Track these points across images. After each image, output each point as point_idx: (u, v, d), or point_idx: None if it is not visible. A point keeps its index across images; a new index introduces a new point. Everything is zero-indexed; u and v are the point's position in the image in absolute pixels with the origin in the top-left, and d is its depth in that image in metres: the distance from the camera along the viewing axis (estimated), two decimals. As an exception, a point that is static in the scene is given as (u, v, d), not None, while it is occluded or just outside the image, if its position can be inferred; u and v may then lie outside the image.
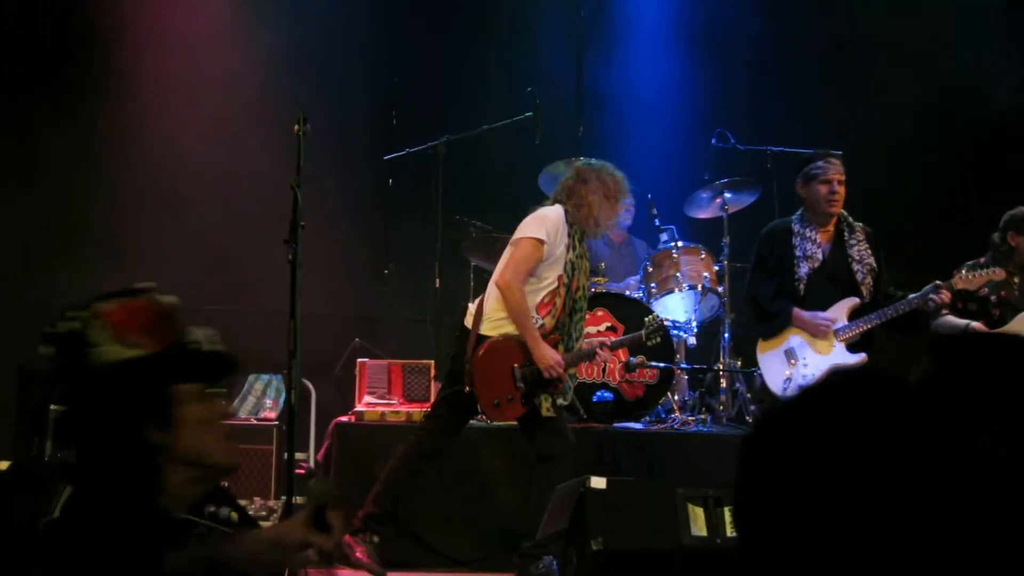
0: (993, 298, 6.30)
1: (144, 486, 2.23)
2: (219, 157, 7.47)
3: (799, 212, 5.88)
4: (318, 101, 7.32)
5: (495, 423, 5.32)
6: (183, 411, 2.22)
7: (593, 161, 5.48)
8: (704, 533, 4.04)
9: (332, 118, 7.59)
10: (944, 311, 6.29)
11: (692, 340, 6.71)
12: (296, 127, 4.99)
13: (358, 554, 4.95)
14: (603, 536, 3.93)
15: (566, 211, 5.25)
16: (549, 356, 5.11)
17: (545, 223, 5.18)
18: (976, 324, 6.23)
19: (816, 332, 5.68)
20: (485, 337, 5.16)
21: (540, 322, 5.20)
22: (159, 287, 2.31)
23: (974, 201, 6.82)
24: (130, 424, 2.21)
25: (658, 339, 5.65)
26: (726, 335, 6.67)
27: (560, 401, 5.25)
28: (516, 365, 5.16)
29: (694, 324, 6.75)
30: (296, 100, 6.57)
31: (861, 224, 5.88)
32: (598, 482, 4.01)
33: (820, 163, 5.76)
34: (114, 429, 2.21)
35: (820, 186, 5.73)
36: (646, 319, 5.66)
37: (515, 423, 5.29)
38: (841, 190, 5.74)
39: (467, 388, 5.11)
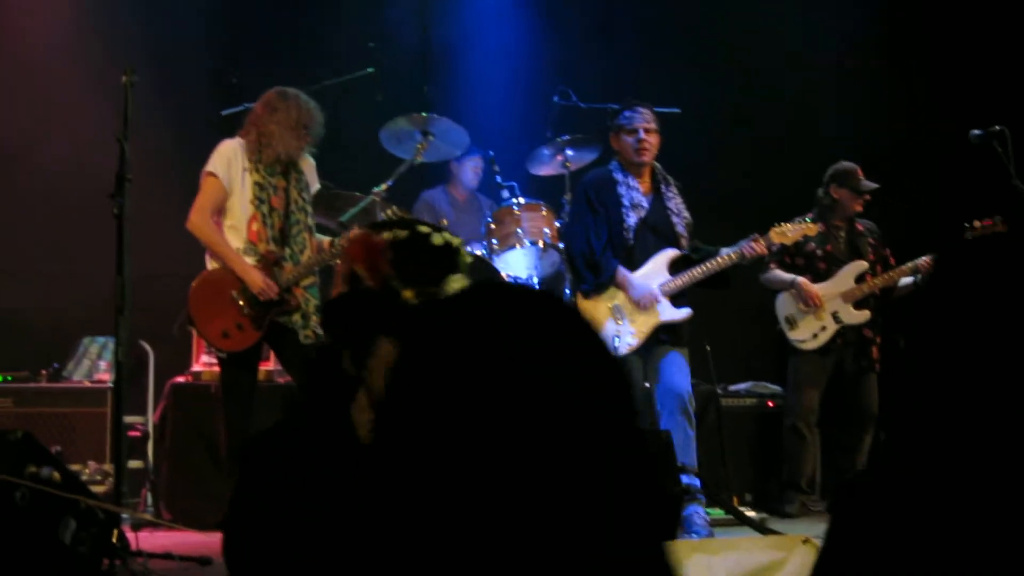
0: (819, 252, 6.53)
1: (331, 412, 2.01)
2: (39, 114, 7.21)
3: (613, 162, 5.95)
4: (154, 58, 7.12)
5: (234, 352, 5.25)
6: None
7: (288, 90, 5.50)
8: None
9: (168, 75, 7.40)
10: (772, 264, 6.50)
11: (533, 296, 6.76)
12: (124, 78, 4.88)
13: None
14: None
15: (244, 139, 5.35)
16: (258, 279, 5.16)
17: (215, 156, 5.32)
18: (802, 279, 6.45)
19: (640, 303, 5.73)
20: None
21: (256, 250, 5.25)
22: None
23: (810, 162, 7.02)
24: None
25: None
26: (566, 291, 6.74)
27: (313, 322, 5.27)
28: (234, 292, 5.21)
29: (535, 280, 6.80)
30: (125, 56, 6.36)
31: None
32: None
33: (627, 113, 5.85)
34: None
35: (627, 136, 5.83)
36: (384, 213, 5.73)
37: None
38: (650, 139, 5.82)
39: (188, 326, 5.30)
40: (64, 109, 7.23)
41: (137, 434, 6.21)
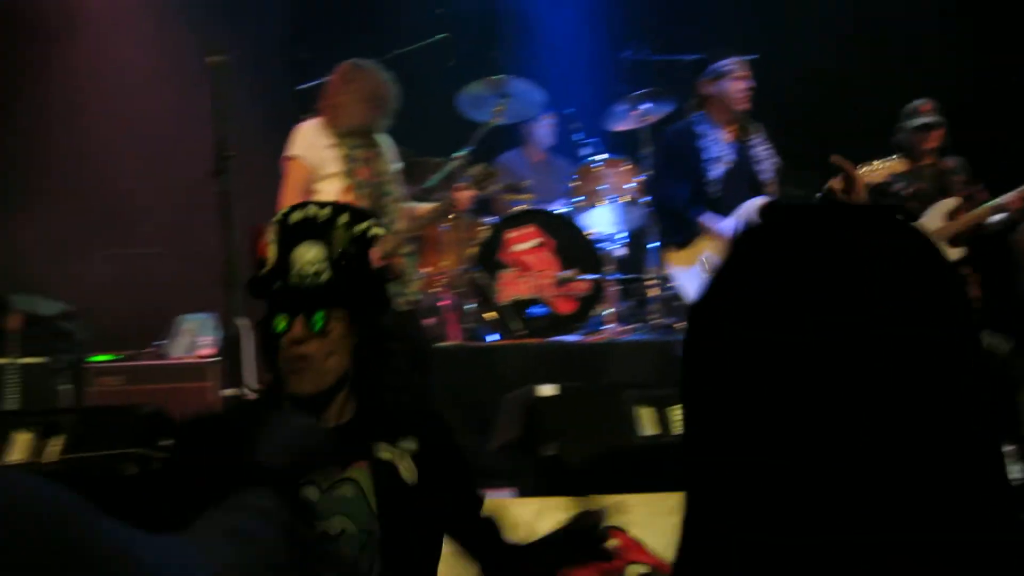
0: (908, 192, 6.45)
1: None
2: (131, 97, 7.30)
3: (698, 114, 5.90)
4: (226, 34, 7.17)
5: None
6: None
7: (363, 61, 5.48)
8: (654, 432, 4.13)
9: (242, 51, 7.45)
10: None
11: (621, 251, 6.78)
12: (210, 59, 4.92)
13: None
14: (556, 442, 3.99)
15: (322, 115, 5.33)
16: None
17: (295, 139, 5.30)
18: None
19: None
20: None
21: None
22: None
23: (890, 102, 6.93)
24: None
25: (486, 186, 5.66)
26: (652, 244, 6.75)
27: (412, 287, 5.28)
28: None
29: (622, 235, 6.82)
30: (203, 32, 6.43)
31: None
32: (547, 389, 4.07)
33: (724, 61, 5.80)
34: None
35: (733, 82, 5.78)
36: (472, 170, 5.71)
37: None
38: (749, 85, 5.79)
39: None
40: (160, 89, 7.29)
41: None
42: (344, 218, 2.29)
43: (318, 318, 2.19)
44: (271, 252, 2.26)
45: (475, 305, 6.34)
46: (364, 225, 2.30)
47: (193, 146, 5.60)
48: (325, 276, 2.22)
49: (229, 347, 4.76)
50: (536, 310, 6.38)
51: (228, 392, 5.58)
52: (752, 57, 6.31)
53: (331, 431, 2.22)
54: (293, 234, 2.26)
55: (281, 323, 2.20)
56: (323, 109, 5.35)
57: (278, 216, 2.31)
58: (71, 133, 7.27)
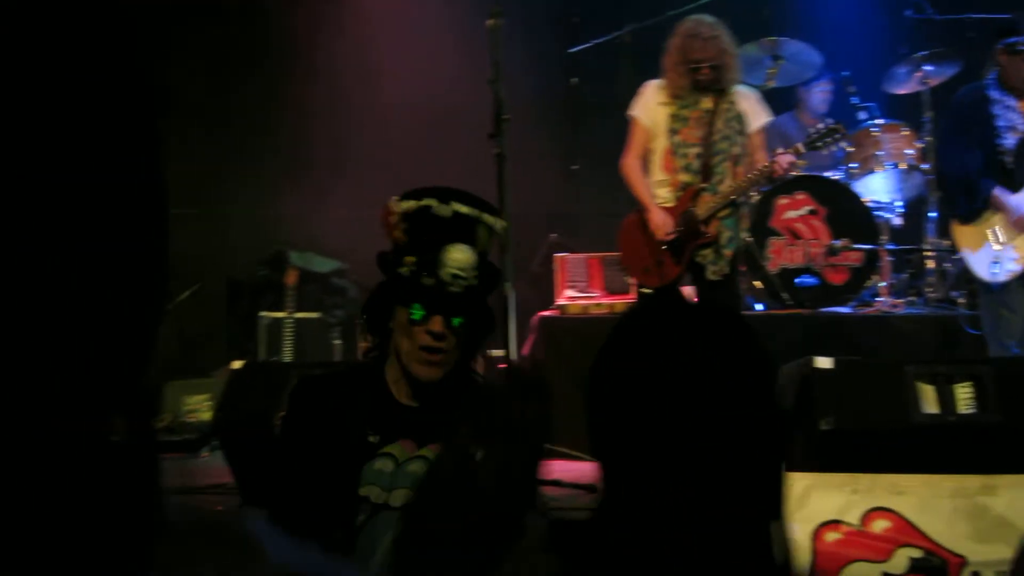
0: None
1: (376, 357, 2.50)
2: (412, 64, 7.51)
3: (991, 77, 5.52)
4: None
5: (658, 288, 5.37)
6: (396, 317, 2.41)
7: (687, 21, 5.49)
8: (935, 411, 3.93)
9: (513, 13, 7.54)
10: None
11: (897, 220, 6.51)
12: (489, 21, 4.99)
13: None
14: (832, 416, 3.87)
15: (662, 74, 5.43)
16: (654, 218, 5.33)
17: (636, 99, 5.51)
18: None
19: (1019, 226, 5.32)
20: None
21: (670, 183, 5.40)
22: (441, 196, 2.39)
23: None
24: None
25: (829, 142, 5.60)
26: (932, 214, 6.44)
27: (724, 255, 5.27)
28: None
29: (899, 204, 6.53)
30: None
31: None
32: (824, 362, 3.93)
33: None
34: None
35: None
36: (813, 130, 5.63)
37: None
38: None
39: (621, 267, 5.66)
40: (435, 52, 7.48)
41: (504, 366, 6.43)
42: (488, 219, 2.42)
43: (458, 321, 2.35)
44: (399, 234, 2.37)
45: (743, 273, 6.24)
46: (499, 228, 2.45)
47: (469, 109, 5.72)
48: (472, 283, 2.35)
49: (501, 312, 4.82)
50: (806, 280, 6.20)
51: (494, 354, 5.71)
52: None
53: (415, 409, 2.42)
54: (443, 230, 2.35)
55: (418, 313, 2.34)
56: (662, 68, 5.45)
57: (417, 202, 2.38)
58: (364, 90, 7.52)
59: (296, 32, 7.61)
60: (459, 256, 2.33)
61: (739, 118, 5.38)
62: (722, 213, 5.31)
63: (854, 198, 6.25)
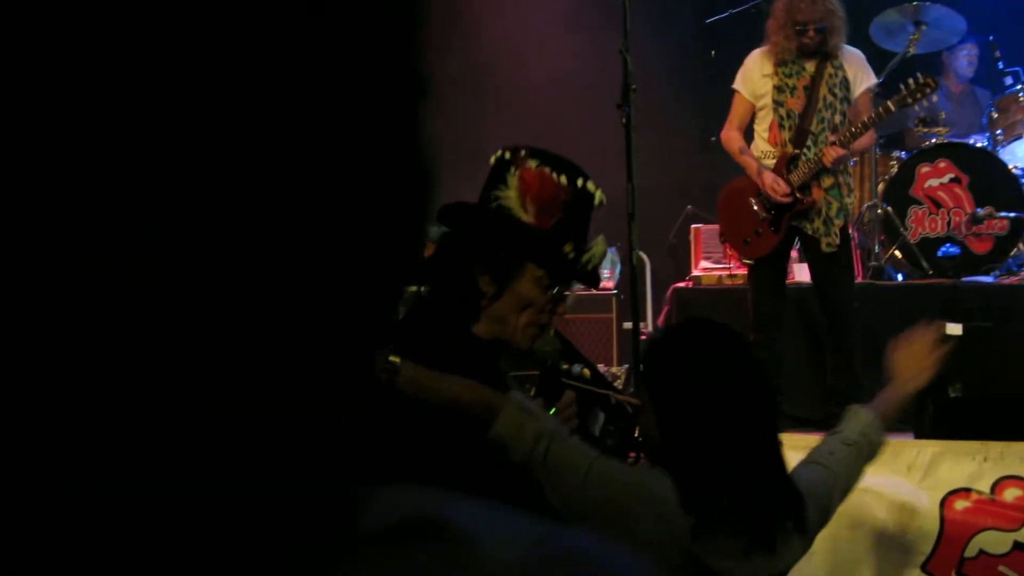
0: None
1: (458, 321, 2.40)
2: (538, 35, 7.58)
3: None
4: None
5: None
6: (518, 285, 2.33)
7: None
8: (1069, 379, 3.87)
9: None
10: None
11: (1045, 188, 6.31)
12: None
13: None
14: (961, 383, 3.83)
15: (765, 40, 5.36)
16: (767, 179, 5.23)
17: (739, 71, 5.46)
18: None
19: None
20: None
21: (774, 153, 5.32)
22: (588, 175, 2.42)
23: None
24: (471, 264, 2.37)
25: (920, 97, 5.40)
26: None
27: (836, 228, 5.16)
28: (752, 198, 5.30)
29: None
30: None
31: None
32: (953, 328, 3.90)
33: None
34: (461, 261, 2.39)
35: None
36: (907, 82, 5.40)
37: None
38: None
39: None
40: (563, 22, 7.55)
41: (644, 338, 6.48)
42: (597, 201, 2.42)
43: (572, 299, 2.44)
44: (557, 216, 2.33)
45: (881, 242, 6.14)
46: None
47: (599, 78, 5.76)
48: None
49: (630, 281, 4.88)
50: (947, 249, 6.08)
51: (627, 325, 5.77)
52: None
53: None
54: (589, 215, 2.37)
55: (556, 290, 2.34)
56: (766, 32, 5.40)
57: (572, 182, 2.34)
58: (500, 58, 7.63)
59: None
60: (600, 248, 2.39)
61: (845, 83, 5.28)
62: (826, 183, 5.24)
63: (999, 165, 6.10)
